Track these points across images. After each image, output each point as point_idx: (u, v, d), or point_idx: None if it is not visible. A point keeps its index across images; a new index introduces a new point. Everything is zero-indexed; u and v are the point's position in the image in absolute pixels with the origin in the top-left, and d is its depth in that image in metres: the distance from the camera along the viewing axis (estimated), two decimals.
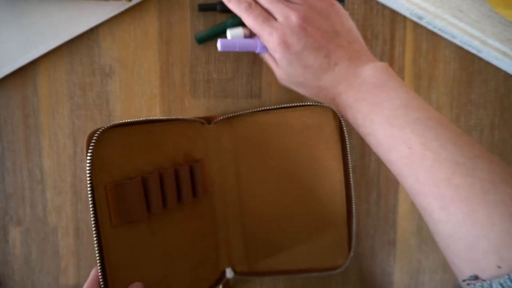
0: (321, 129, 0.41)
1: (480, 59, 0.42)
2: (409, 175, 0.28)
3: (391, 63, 0.43)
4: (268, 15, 0.34)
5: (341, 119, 0.40)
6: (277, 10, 0.34)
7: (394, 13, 0.42)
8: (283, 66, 0.34)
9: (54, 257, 0.45)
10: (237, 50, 0.38)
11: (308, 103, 0.40)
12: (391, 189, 0.44)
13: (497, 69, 0.42)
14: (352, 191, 0.41)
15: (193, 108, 0.43)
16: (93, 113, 0.43)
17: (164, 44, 0.42)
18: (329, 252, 0.42)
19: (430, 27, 0.41)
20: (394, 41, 0.42)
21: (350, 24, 0.35)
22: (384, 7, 0.42)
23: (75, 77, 0.43)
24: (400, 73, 0.43)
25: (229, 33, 0.38)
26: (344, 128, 0.40)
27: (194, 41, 0.42)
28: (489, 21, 0.39)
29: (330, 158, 0.41)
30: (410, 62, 0.42)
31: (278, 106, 0.40)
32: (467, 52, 0.42)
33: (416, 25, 0.42)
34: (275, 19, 0.34)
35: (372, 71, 0.32)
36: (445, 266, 0.45)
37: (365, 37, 0.42)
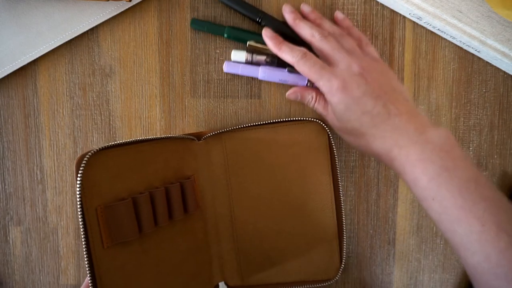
0: (311, 144, 0.41)
1: (479, 59, 0.42)
2: (478, 252, 0.28)
3: (391, 63, 0.43)
4: (323, 63, 0.35)
5: (329, 134, 0.40)
6: (341, 58, 0.35)
7: (393, 13, 0.42)
8: (339, 111, 0.35)
9: (55, 256, 0.45)
10: (239, 74, 0.41)
11: (297, 118, 0.40)
12: (390, 189, 0.44)
13: (497, 69, 0.42)
14: (342, 205, 0.41)
15: (193, 108, 0.43)
16: (93, 113, 0.43)
17: (164, 44, 0.43)
18: (320, 265, 0.42)
19: (430, 27, 0.41)
20: (393, 41, 0.42)
21: (402, 86, 0.36)
22: (383, 7, 0.42)
23: (75, 77, 0.43)
24: (400, 73, 0.43)
25: (233, 55, 0.41)
26: (333, 143, 0.40)
27: (191, 26, 0.42)
28: (488, 22, 0.39)
29: (319, 172, 0.41)
30: (410, 62, 0.43)
31: (267, 122, 0.41)
32: (467, 52, 0.42)
33: (415, 25, 0.42)
34: (332, 66, 0.35)
35: (438, 132, 0.32)
36: (445, 266, 0.45)
37: None
